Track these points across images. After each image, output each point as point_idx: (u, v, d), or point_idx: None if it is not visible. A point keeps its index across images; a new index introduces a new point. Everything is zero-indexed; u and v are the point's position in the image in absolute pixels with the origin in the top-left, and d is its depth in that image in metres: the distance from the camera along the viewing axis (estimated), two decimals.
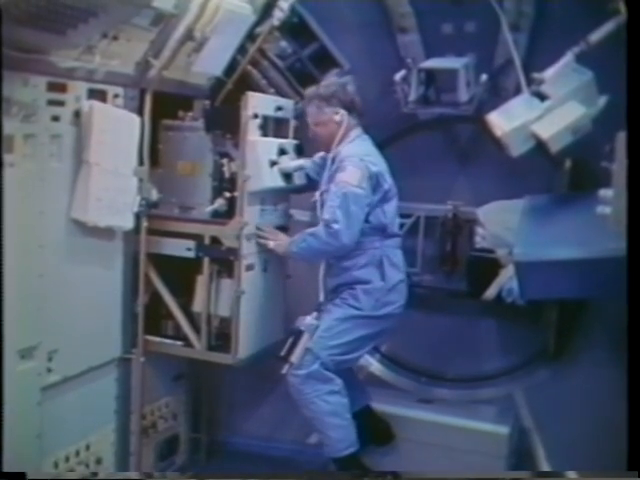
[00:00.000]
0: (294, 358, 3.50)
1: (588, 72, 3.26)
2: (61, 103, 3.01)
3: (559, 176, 4.02)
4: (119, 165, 3.25)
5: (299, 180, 3.81)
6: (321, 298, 3.68)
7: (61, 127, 3.03)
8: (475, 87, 3.80)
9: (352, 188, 3.41)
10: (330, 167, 3.60)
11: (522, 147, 3.35)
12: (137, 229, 3.47)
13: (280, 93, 3.96)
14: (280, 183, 3.67)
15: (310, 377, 3.49)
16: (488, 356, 4.43)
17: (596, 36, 3.21)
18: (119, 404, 3.57)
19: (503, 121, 3.36)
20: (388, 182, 3.59)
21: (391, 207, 3.62)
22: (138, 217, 3.43)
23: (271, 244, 3.68)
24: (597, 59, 3.22)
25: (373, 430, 3.91)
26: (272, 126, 3.77)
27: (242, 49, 3.82)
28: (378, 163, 3.57)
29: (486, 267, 4.05)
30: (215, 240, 3.63)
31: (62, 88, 3.00)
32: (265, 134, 3.68)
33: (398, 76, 3.88)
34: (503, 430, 3.85)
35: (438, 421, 3.95)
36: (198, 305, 3.72)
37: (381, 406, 4.00)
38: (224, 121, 3.67)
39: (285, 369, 3.52)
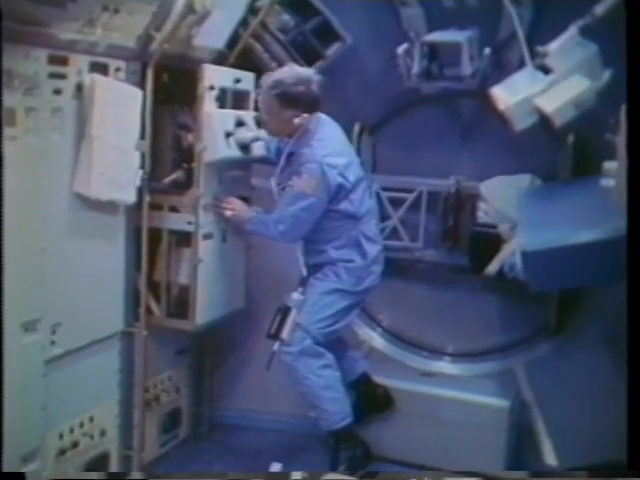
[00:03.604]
0: (285, 335, 3.54)
1: (592, 45, 3.25)
2: (63, 76, 2.98)
3: (562, 150, 4.01)
4: (121, 139, 3.23)
5: (258, 151, 3.76)
6: (303, 273, 3.72)
7: (63, 100, 3.00)
8: (479, 61, 3.77)
9: (305, 195, 3.43)
10: (288, 162, 3.59)
11: (525, 121, 3.34)
12: (139, 203, 3.47)
13: (282, 67, 3.93)
14: (237, 154, 3.66)
15: (302, 353, 3.54)
16: (489, 331, 4.45)
17: (600, 9, 3.19)
18: (122, 377, 3.58)
19: (506, 95, 3.35)
20: (352, 177, 3.54)
21: (357, 195, 3.60)
22: (140, 191, 3.43)
23: (228, 213, 3.69)
24: (601, 32, 3.20)
25: (372, 397, 3.97)
26: (231, 98, 3.75)
27: (244, 23, 3.79)
28: (339, 161, 3.49)
29: (488, 242, 4.06)
30: (174, 210, 3.68)
31: (64, 61, 2.97)
32: (222, 106, 3.67)
33: (401, 49, 3.86)
34: (504, 404, 3.88)
35: (440, 395, 3.98)
36: (159, 274, 3.76)
37: (383, 380, 4.04)
38: (182, 93, 3.68)
39: (276, 347, 3.56)
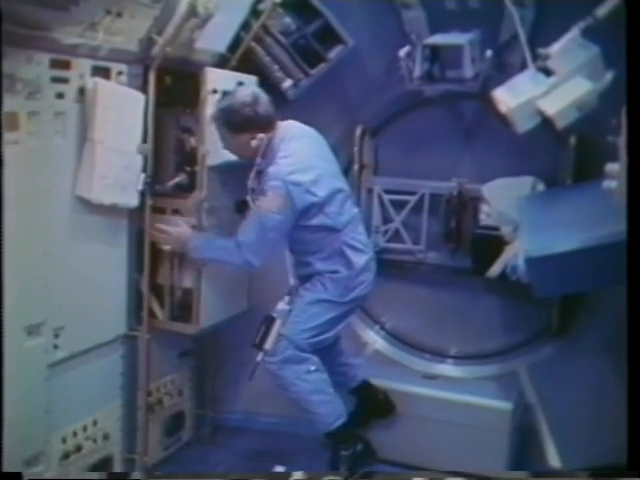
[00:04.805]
0: (268, 345, 3.50)
1: (594, 47, 3.24)
2: (65, 80, 3.00)
3: (565, 152, 4.01)
4: (123, 143, 3.24)
5: None
6: (291, 282, 3.69)
7: (65, 104, 3.02)
8: (480, 63, 3.77)
9: (271, 215, 3.34)
10: (258, 181, 3.50)
11: (527, 123, 3.33)
12: (142, 207, 3.47)
13: (284, 70, 3.95)
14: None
15: (286, 361, 3.50)
16: (492, 333, 4.45)
17: (602, 10, 3.17)
18: (125, 381, 3.60)
19: (508, 97, 3.33)
20: (322, 191, 3.42)
21: (334, 207, 3.49)
22: (143, 195, 3.43)
23: (166, 247, 3.59)
24: (603, 34, 3.19)
25: (373, 403, 3.96)
26: None
27: (246, 26, 3.79)
28: (304, 178, 3.37)
29: (491, 244, 4.05)
30: (177, 213, 3.68)
31: (66, 65, 2.99)
32: None
33: (402, 52, 3.85)
34: (507, 406, 3.88)
35: (442, 397, 3.98)
36: (162, 277, 3.77)
37: (386, 382, 4.04)
38: (185, 96, 3.68)
39: (259, 357, 3.53)
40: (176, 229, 3.56)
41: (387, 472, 3.87)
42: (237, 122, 3.38)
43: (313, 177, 3.40)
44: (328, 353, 3.70)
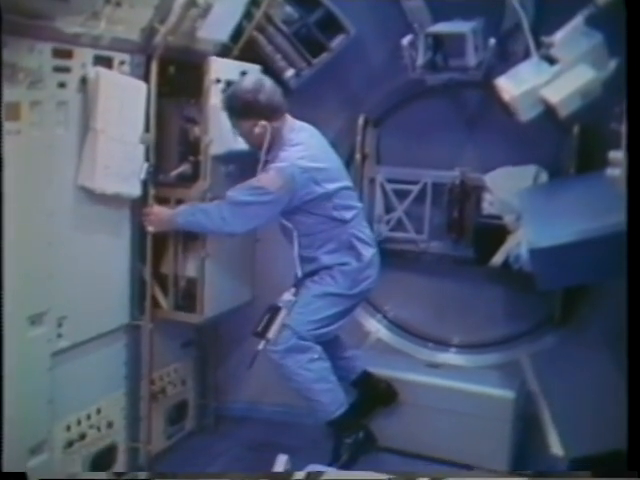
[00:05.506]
0: (271, 334, 3.50)
1: (598, 35, 3.22)
2: (67, 70, 2.99)
3: (568, 141, 4.00)
4: (126, 132, 3.24)
5: None
6: (299, 274, 3.66)
7: (67, 94, 3.01)
8: (483, 52, 3.76)
9: (267, 192, 3.33)
10: (265, 168, 3.48)
11: (531, 112, 3.32)
12: (145, 196, 3.47)
13: (286, 59, 3.93)
14: (244, 146, 3.60)
15: (289, 351, 3.50)
16: (495, 322, 4.45)
17: None
18: (129, 370, 3.61)
19: (512, 85, 3.33)
20: (329, 184, 3.44)
21: (339, 200, 3.50)
22: (145, 184, 3.43)
23: (150, 229, 3.54)
24: (606, 21, 3.18)
25: (375, 393, 3.97)
26: None
27: (248, 15, 3.78)
28: (312, 165, 3.38)
29: (493, 233, 4.07)
30: (181, 202, 3.66)
31: (68, 54, 2.98)
32: None
33: (405, 41, 3.84)
34: (509, 395, 3.89)
35: (445, 386, 3.99)
36: (166, 267, 3.77)
37: (389, 371, 4.05)
38: (189, 86, 3.67)
39: (261, 345, 3.53)
40: (154, 207, 3.54)
41: (389, 461, 3.88)
42: (238, 107, 3.41)
43: (320, 167, 3.43)
44: (328, 347, 3.69)
